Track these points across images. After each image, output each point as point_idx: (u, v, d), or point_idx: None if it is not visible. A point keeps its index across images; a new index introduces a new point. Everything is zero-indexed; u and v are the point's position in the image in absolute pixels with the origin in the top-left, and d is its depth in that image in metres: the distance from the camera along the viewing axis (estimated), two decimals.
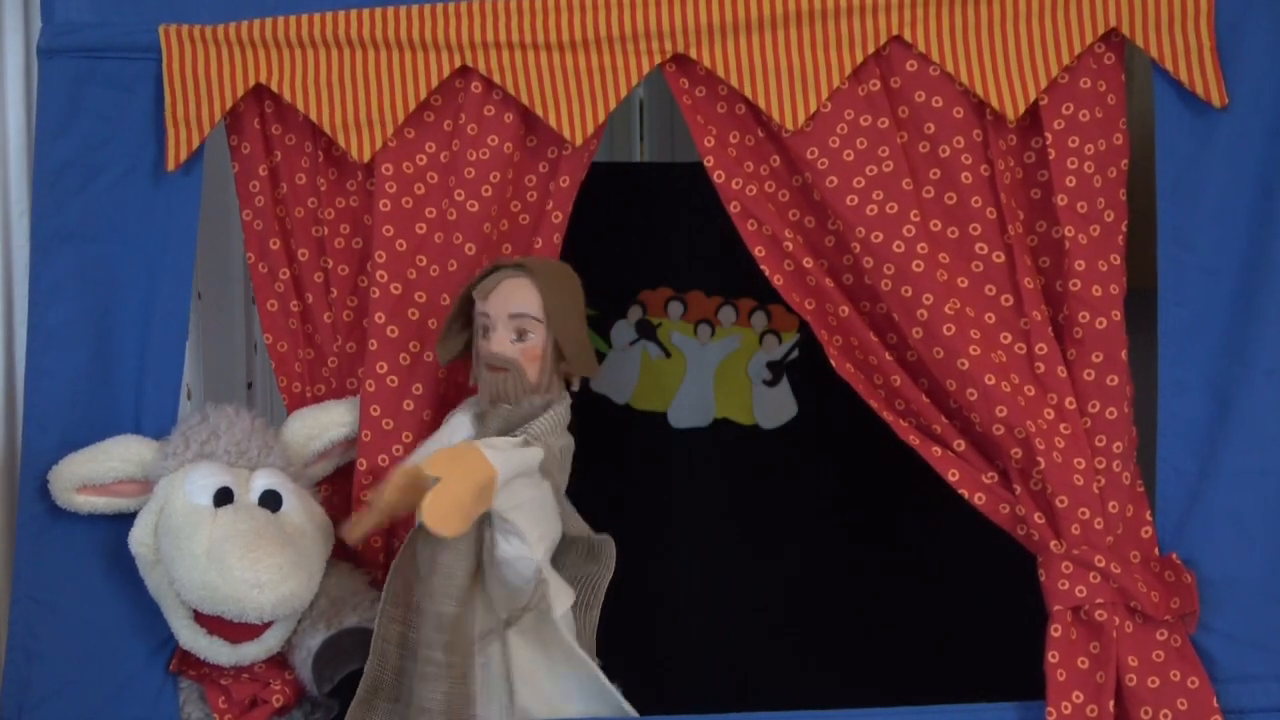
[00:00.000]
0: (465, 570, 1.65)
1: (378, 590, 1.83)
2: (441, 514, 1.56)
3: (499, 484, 1.60)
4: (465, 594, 1.65)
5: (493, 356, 1.70)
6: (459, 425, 1.74)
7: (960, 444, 1.79)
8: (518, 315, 1.69)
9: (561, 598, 1.70)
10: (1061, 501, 1.75)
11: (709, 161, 1.82)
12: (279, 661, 1.79)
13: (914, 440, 1.79)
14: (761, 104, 1.79)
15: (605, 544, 1.72)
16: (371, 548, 1.85)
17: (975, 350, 1.77)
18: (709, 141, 1.83)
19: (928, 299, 1.77)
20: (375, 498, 1.67)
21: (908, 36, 1.78)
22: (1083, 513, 1.74)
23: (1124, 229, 1.79)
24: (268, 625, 1.74)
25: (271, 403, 2.18)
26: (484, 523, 1.66)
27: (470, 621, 1.65)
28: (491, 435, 1.68)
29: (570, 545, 1.74)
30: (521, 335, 1.70)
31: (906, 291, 1.77)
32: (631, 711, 1.74)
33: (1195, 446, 1.77)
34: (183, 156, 1.83)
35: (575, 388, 1.76)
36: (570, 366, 1.73)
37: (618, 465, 2.18)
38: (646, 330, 2.31)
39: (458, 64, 1.82)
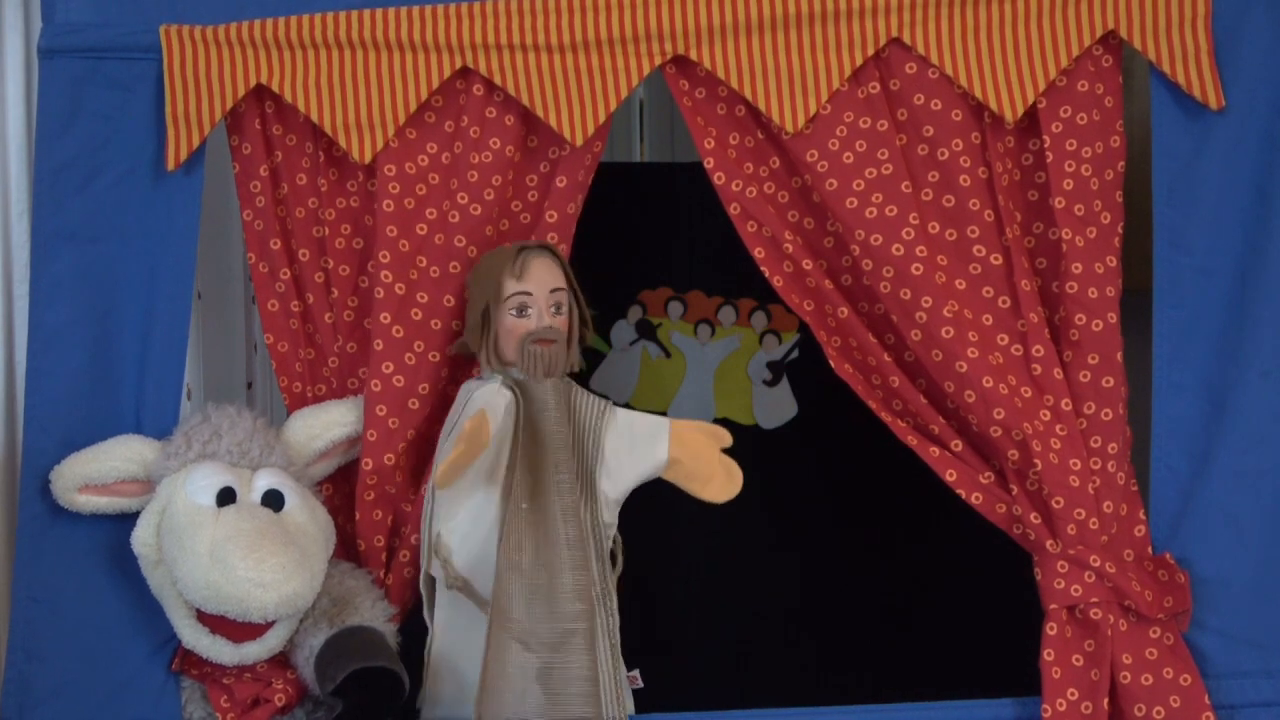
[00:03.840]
0: (583, 537, 1.72)
1: (380, 590, 1.83)
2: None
3: None
4: (589, 558, 1.71)
5: (544, 331, 1.74)
6: (494, 392, 1.73)
7: (958, 444, 1.80)
8: (556, 289, 1.75)
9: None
10: (1057, 502, 1.76)
11: (709, 163, 1.83)
12: (281, 661, 1.79)
13: (912, 440, 1.80)
14: (761, 106, 1.80)
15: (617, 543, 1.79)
16: (373, 547, 1.86)
17: (973, 352, 1.78)
18: (709, 143, 1.83)
19: (926, 301, 1.78)
20: (463, 439, 1.67)
21: (907, 39, 1.79)
22: (1078, 513, 1.76)
23: (1120, 231, 1.80)
24: (270, 624, 1.74)
25: (271, 403, 2.18)
26: (583, 495, 1.73)
27: (594, 583, 1.71)
28: (557, 406, 1.74)
29: None
30: (559, 308, 1.76)
31: (905, 293, 1.79)
32: (632, 710, 1.75)
33: (1189, 447, 1.78)
34: (183, 156, 1.83)
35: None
36: (587, 331, 1.80)
37: None
38: (646, 330, 2.31)
39: (458, 65, 1.82)
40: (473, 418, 1.68)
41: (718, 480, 1.78)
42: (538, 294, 1.74)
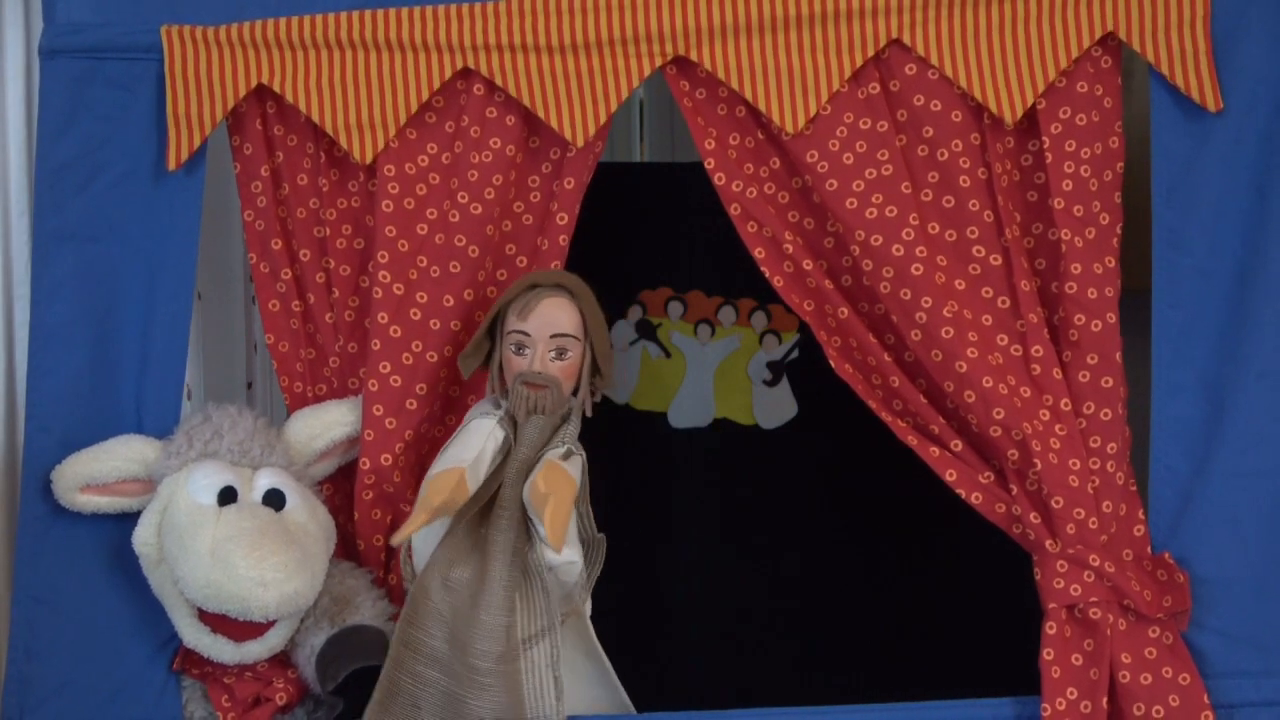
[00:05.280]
0: (511, 579, 1.68)
1: (381, 589, 1.84)
2: (562, 530, 1.62)
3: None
4: (512, 603, 1.68)
5: (535, 375, 1.72)
6: (486, 429, 1.73)
7: (958, 444, 1.80)
8: (560, 335, 1.72)
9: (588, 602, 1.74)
10: (1057, 502, 1.76)
11: (709, 163, 1.83)
12: (282, 660, 1.79)
13: (912, 440, 1.80)
14: (762, 106, 1.80)
15: (600, 543, 1.75)
16: (373, 547, 1.86)
17: (973, 352, 1.79)
18: (709, 143, 1.84)
19: (926, 301, 1.79)
20: (421, 503, 1.68)
21: (907, 40, 1.79)
22: (1078, 513, 1.76)
23: (1119, 232, 1.81)
24: (271, 624, 1.74)
25: (272, 403, 2.18)
26: (525, 533, 1.70)
27: (516, 627, 1.68)
28: (531, 444, 1.71)
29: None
30: (561, 354, 1.73)
31: (905, 294, 1.79)
32: (633, 710, 1.76)
33: (1188, 447, 1.78)
34: (184, 156, 1.83)
35: (596, 400, 1.80)
36: (604, 380, 1.78)
37: (618, 465, 2.18)
38: (646, 330, 2.31)
39: (459, 66, 1.82)
40: (447, 487, 1.65)
41: (547, 511, 1.65)
42: (536, 336, 1.72)
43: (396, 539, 1.68)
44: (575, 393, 1.77)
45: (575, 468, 1.71)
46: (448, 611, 1.69)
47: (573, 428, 1.74)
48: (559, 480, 1.65)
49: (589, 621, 1.76)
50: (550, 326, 1.72)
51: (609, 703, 1.77)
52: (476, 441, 1.73)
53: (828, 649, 2.30)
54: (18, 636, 1.79)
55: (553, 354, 1.72)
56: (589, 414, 1.77)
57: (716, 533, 2.30)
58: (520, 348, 1.73)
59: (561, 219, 1.84)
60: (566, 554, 1.69)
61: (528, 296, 1.73)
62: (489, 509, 1.73)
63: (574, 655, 1.75)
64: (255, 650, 1.76)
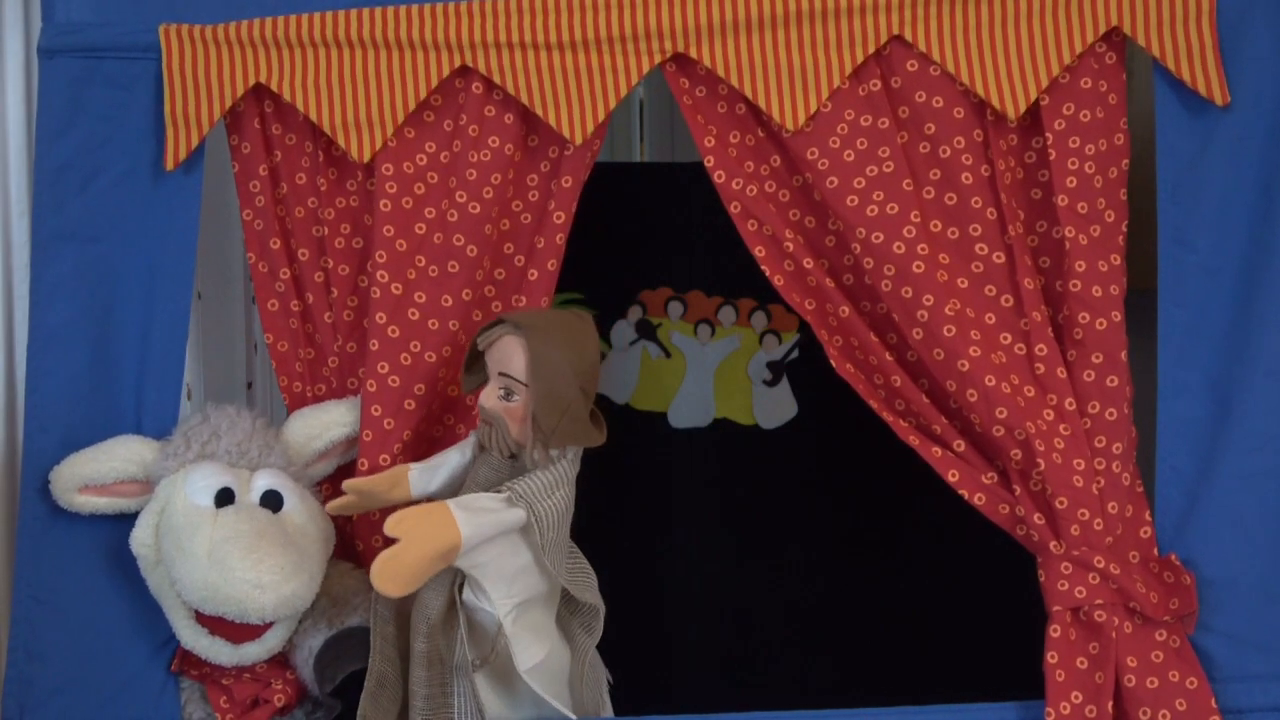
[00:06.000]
0: (439, 606, 1.67)
1: None
2: (389, 575, 1.57)
3: (463, 550, 1.60)
4: (439, 629, 1.67)
5: (482, 410, 1.71)
6: (463, 444, 1.77)
7: (960, 444, 1.79)
8: (506, 375, 1.69)
9: (532, 651, 1.68)
10: (1061, 502, 1.75)
11: (709, 161, 1.82)
12: (280, 661, 1.79)
13: (914, 441, 1.79)
14: (762, 104, 1.79)
15: (597, 613, 1.72)
16: (372, 548, 1.86)
17: (975, 351, 1.77)
18: (709, 141, 1.83)
19: (928, 300, 1.77)
20: (353, 485, 1.73)
21: (908, 36, 1.78)
22: (1082, 513, 1.74)
23: (1124, 229, 1.79)
24: (269, 625, 1.74)
25: (271, 403, 2.18)
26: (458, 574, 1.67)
27: (447, 652, 1.68)
28: (478, 484, 1.69)
29: (571, 603, 1.74)
30: (508, 394, 1.69)
31: (907, 292, 1.77)
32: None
33: (1194, 447, 1.77)
34: (182, 156, 1.83)
35: (561, 454, 1.70)
36: (546, 437, 1.66)
37: (618, 465, 2.17)
38: (646, 330, 2.31)
39: (457, 64, 1.81)
40: (384, 476, 1.74)
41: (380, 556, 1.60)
42: (490, 370, 1.71)
43: (330, 507, 1.72)
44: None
45: (497, 521, 1.62)
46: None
47: (542, 478, 1.66)
48: (409, 527, 1.57)
49: (525, 677, 1.68)
50: (499, 364, 1.69)
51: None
52: (449, 453, 1.74)
53: (828, 649, 2.29)
54: (18, 636, 1.79)
55: (500, 392, 1.69)
56: (537, 466, 1.67)
57: (716, 533, 2.30)
58: (483, 380, 1.74)
59: (558, 218, 1.83)
60: (481, 599, 1.66)
61: (494, 330, 1.71)
62: None
63: (521, 707, 1.72)
64: (253, 652, 1.75)
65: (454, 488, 1.75)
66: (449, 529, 1.59)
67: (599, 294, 2.27)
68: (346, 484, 1.75)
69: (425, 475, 1.75)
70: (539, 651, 1.69)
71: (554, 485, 1.67)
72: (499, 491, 1.65)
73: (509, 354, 1.68)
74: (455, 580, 1.68)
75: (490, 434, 1.69)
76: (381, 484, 1.74)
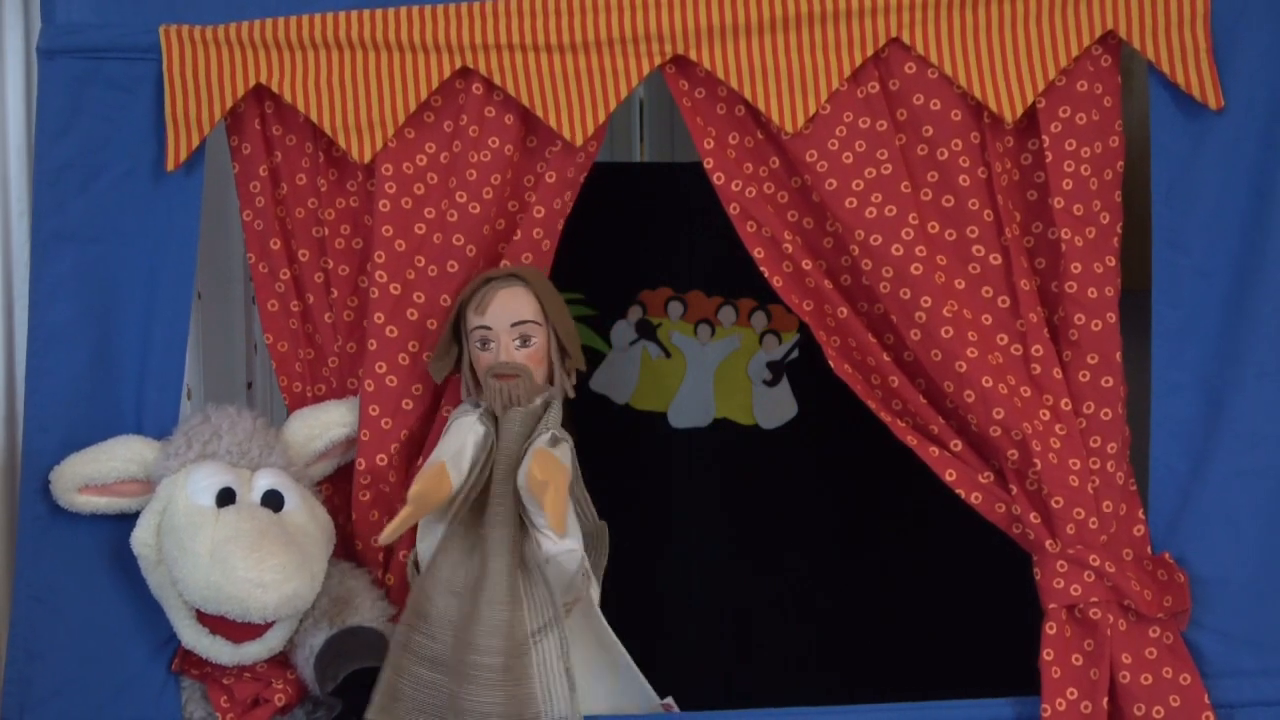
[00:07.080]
0: (512, 572, 1.69)
1: (380, 589, 1.84)
2: (563, 515, 1.63)
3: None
4: (516, 596, 1.68)
5: (502, 366, 1.73)
6: (469, 427, 1.74)
7: (957, 444, 1.80)
8: (520, 323, 1.73)
9: (594, 586, 1.74)
10: (1057, 502, 1.76)
11: (708, 163, 1.83)
12: (281, 660, 1.79)
13: (912, 440, 1.80)
14: (761, 106, 1.80)
15: (603, 530, 1.76)
16: (371, 548, 1.86)
17: (972, 352, 1.78)
18: (708, 143, 1.83)
19: (925, 301, 1.78)
20: (412, 499, 1.68)
21: (906, 39, 1.79)
22: (1077, 513, 1.76)
23: (1119, 231, 1.80)
24: (270, 625, 1.74)
25: (271, 403, 2.18)
26: (522, 526, 1.70)
27: (522, 621, 1.68)
28: (514, 437, 1.72)
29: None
30: (525, 341, 1.74)
31: (905, 293, 1.79)
32: (657, 699, 1.76)
33: (1188, 446, 1.78)
34: (182, 156, 1.83)
35: (573, 382, 1.79)
36: (573, 360, 1.77)
37: (618, 465, 2.19)
38: (646, 330, 2.32)
39: (458, 65, 1.82)
40: (427, 476, 1.68)
41: (547, 497, 1.65)
42: (497, 328, 1.74)
43: (384, 537, 1.68)
44: (552, 380, 1.77)
45: (564, 454, 1.72)
46: (453, 614, 1.69)
47: (554, 414, 1.74)
48: (552, 467, 1.66)
49: (599, 610, 1.75)
50: (509, 316, 1.73)
51: (627, 692, 1.76)
52: (457, 438, 1.73)
53: (828, 648, 2.30)
54: (18, 636, 1.79)
55: (517, 342, 1.74)
56: (570, 395, 1.77)
57: (716, 532, 2.31)
58: (485, 343, 1.74)
59: (539, 212, 1.83)
60: (566, 543, 1.69)
61: (483, 291, 1.74)
62: (482, 507, 1.72)
63: (584, 647, 1.74)
64: (254, 651, 1.76)
65: (484, 465, 1.73)
66: (561, 462, 1.68)
67: (599, 294, 2.28)
68: (410, 494, 1.68)
69: (454, 465, 1.72)
70: (597, 586, 1.74)
71: (562, 417, 1.75)
72: (543, 434, 1.71)
73: (515, 304, 1.73)
74: (519, 544, 1.69)
75: (519, 387, 1.72)
76: (431, 484, 1.69)
